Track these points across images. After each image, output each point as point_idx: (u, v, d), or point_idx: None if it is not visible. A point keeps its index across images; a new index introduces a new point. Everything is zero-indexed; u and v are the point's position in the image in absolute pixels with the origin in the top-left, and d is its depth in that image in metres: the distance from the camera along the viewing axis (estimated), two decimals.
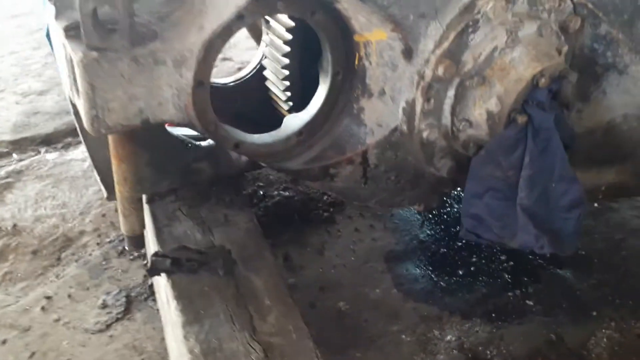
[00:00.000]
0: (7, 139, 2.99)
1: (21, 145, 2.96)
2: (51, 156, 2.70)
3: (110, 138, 1.58)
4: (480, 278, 2.13)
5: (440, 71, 1.44)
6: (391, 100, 1.56)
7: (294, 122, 1.65)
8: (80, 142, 2.87)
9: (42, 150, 2.92)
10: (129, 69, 1.31)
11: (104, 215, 2.39)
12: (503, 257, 2.21)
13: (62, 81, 1.60)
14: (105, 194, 1.90)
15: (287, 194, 2.48)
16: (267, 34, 1.76)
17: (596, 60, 1.68)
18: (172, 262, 1.58)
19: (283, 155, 1.64)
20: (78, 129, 1.88)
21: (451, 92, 1.51)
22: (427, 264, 2.19)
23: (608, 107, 1.72)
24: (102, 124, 1.34)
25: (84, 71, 1.26)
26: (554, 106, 1.45)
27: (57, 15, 1.40)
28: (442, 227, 2.36)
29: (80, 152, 2.75)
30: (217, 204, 1.88)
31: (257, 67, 1.86)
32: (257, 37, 2.73)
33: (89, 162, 2.65)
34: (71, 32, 1.36)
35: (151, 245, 1.72)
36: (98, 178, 1.90)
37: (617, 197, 2.23)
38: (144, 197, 1.81)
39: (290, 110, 1.78)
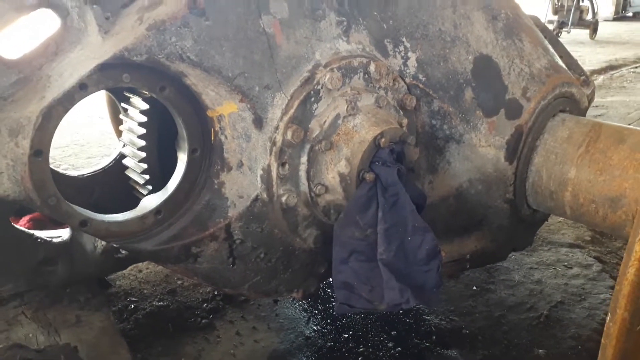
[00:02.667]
0: None
1: None
2: None
3: None
4: None
5: (289, 135, 1.50)
6: (249, 170, 1.59)
7: (151, 201, 1.60)
8: None
9: None
10: None
11: None
12: (390, 344, 2.15)
13: None
14: None
15: (161, 304, 2.30)
16: (126, 121, 1.77)
17: (436, 134, 1.85)
18: None
19: (138, 236, 1.56)
20: None
21: (304, 158, 1.57)
22: None
23: (454, 174, 1.86)
24: None
25: None
26: (396, 163, 1.54)
27: None
28: (329, 321, 2.28)
29: None
30: (69, 306, 1.69)
31: (117, 157, 1.83)
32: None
33: None
34: None
35: None
36: None
37: (483, 264, 2.31)
38: None
39: (149, 194, 1.73)
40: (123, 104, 1.78)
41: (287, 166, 1.55)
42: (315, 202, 1.63)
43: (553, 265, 2.74)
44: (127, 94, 1.72)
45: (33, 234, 1.70)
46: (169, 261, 1.62)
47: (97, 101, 2.17)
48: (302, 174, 1.58)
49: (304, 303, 2.39)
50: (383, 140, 1.54)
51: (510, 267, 2.73)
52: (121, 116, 1.78)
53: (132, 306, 2.28)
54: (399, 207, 1.51)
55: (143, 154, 1.68)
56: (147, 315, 2.22)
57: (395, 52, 1.77)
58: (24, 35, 1.56)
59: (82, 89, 1.35)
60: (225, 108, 1.54)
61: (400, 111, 1.76)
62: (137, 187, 1.77)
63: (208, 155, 1.61)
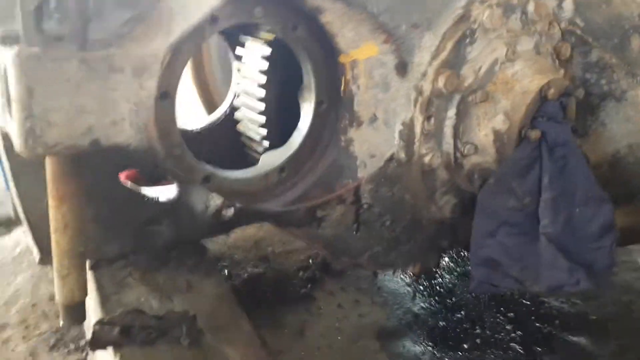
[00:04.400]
0: None
1: None
2: None
3: (49, 170, 1.27)
4: (489, 351, 1.83)
5: (441, 83, 1.28)
6: (384, 125, 1.38)
7: (274, 157, 1.43)
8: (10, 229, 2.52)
9: None
10: (78, 73, 1.07)
11: (34, 305, 1.98)
12: (509, 327, 1.94)
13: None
14: (37, 257, 1.53)
15: (257, 270, 2.16)
16: (239, 70, 1.58)
17: (590, 90, 1.58)
18: (122, 330, 1.21)
19: (262, 195, 1.39)
20: (6, 177, 1.54)
21: (452, 111, 1.34)
22: (426, 339, 1.88)
23: (610, 138, 1.60)
24: (39, 141, 1.07)
25: (20, 70, 1.02)
26: (566, 119, 1.30)
27: None
28: (436, 298, 2.08)
29: (10, 239, 2.37)
30: (177, 270, 1.56)
31: (227, 110, 1.65)
32: (207, 103, 2.58)
33: (20, 249, 2.29)
34: (8, 40, 1.13)
35: (93, 317, 1.35)
36: (30, 236, 1.54)
37: (628, 244, 2.05)
38: (87, 262, 1.46)
39: (266, 151, 1.55)
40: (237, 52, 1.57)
41: (432, 120, 1.33)
42: (459, 164, 1.41)
43: None
44: (243, 37, 1.52)
45: (139, 191, 1.56)
46: (292, 224, 1.45)
47: None
48: (448, 130, 1.36)
49: (405, 277, 2.20)
50: (551, 91, 1.29)
51: (630, 247, 2.44)
52: (234, 64, 1.59)
53: (226, 271, 2.16)
54: (570, 172, 1.28)
55: (262, 106, 1.49)
56: (243, 282, 2.09)
57: None
58: None
59: (213, 22, 1.17)
60: (363, 51, 1.33)
61: (556, 61, 1.50)
62: (251, 144, 1.60)
63: (335, 109, 1.42)
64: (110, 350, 1.19)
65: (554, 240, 1.27)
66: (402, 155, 1.37)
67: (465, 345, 1.85)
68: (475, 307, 2.05)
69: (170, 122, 1.17)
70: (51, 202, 1.28)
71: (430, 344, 1.85)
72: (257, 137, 1.55)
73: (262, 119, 1.51)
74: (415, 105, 1.32)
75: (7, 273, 2.13)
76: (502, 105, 1.32)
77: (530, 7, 1.40)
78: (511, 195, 1.34)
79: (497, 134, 1.33)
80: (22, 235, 2.40)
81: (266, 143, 1.54)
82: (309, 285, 2.11)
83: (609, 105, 1.58)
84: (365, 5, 1.25)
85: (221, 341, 1.30)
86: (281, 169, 1.41)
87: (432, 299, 2.09)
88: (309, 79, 1.39)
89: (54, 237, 1.31)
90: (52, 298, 2.04)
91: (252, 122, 1.55)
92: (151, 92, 1.14)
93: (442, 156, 1.39)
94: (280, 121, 1.51)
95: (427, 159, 1.36)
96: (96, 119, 1.11)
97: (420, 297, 2.09)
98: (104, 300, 1.37)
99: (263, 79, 1.47)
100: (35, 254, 1.53)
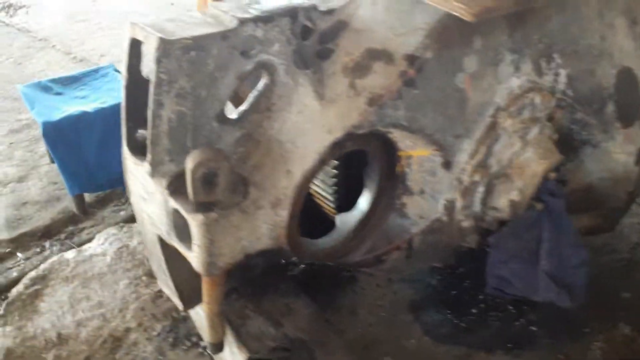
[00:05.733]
0: (5, 238, 2.98)
1: (22, 242, 2.97)
2: (70, 255, 2.75)
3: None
4: (491, 314, 2.52)
5: (477, 177, 1.78)
6: (431, 197, 1.89)
7: (348, 220, 1.93)
8: (90, 236, 2.94)
9: (46, 244, 2.96)
10: (238, 220, 1.53)
11: (142, 309, 2.50)
12: None
13: (141, 215, 1.76)
14: (181, 306, 2.05)
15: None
16: None
17: (573, 136, 2.10)
18: None
19: (342, 252, 1.92)
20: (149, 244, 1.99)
21: (481, 188, 1.86)
22: (444, 307, 2.54)
23: (586, 172, 2.16)
24: (214, 267, 1.55)
25: (206, 230, 1.46)
26: (562, 194, 1.84)
27: (153, 172, 1.56)
28: (448, 270, 2.72)
29: (96, 246, 2.81)
30: (275, 294, 2.11)
31: None
32: None
33: (110, 256, 2.75)
34: (172, 187, 1.55)
35: (233, 346, 1.92)
36: (172, 291, 2.04)
37: (588, 235, 2.70)
38: None
39: (337, 209, 2.05)
40: None
41: (467, 197, 1.85)
42: (483, 219, 1.95)
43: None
44: None
45: None
46: (363, 266, 2.01)
47: None
48: (478, 200, 1.88)
49: None
50: (553, 175, 1.81)
51: None
52: None
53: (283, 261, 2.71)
54: (561, 229, 1.85)
55: (334, 172, 1.96)
56: (301, 271, 2.64)
57: (548, 70, 1.94)
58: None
59: (322, 163, 1.60)
60: (417, 152, 1.79)
61: (549, 123, 1.99)
62: (325, 202, 2.08)
63: (392, 181, 1.90)
64: None
65: (548, 274, 1.88)
66: (445, 219, 1.90)
67: (474, 310, 2.53)
68: (478, 276, 2.72)
69: (295, 232, 1.65)
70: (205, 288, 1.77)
71: (448, 312, 2.53)
72: (331, 197, 2.04)
73: (333, 186, 1.99)
74: (456, 191, 1.82)
75: (110, 282, 2.62)
76: (516, 184, 1.84)
77: (537, 99, 1.86)
78: (520, 240, 1.92)
79: (512, 202, 1.87)
80: (103, 242, 2.85)
81: (336, 203, 2.03)
82: (351, 268, 2.70)
83: (587, 149, 2.11)
84: (423, 130, 1.69)
85: (327, 355, 1.91)
86: (355, 230, 1.92)
87: (445, 270, 2.74)
88: (374, 166, 1.85)
89: (206, 306, 1.83)
90: (154, 300, 2.57)
91: (325, 186, 2.03)
92: (284, 218, 1.60)
93: (473, 215, 1.93)
94: (346, 184, 2.00)
95: (463, 223, 1.90)
96: (247, 241, 1.59)
97: (435, 271, 2.73)
98: (237, 334, 1.93)
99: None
100: (179, 304, 2.04)
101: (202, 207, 1.47)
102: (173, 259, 2.01)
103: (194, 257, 1.53)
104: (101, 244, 2.80)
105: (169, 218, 1.57)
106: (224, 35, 1.48)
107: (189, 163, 1.44)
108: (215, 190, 1.48)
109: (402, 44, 1.62)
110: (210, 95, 1.53)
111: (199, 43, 1.44)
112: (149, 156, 1.51)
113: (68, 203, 3.19)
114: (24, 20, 5.85)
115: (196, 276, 1.75)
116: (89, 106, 2.93)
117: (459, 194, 1.82)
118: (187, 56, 1.43)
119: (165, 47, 1.38)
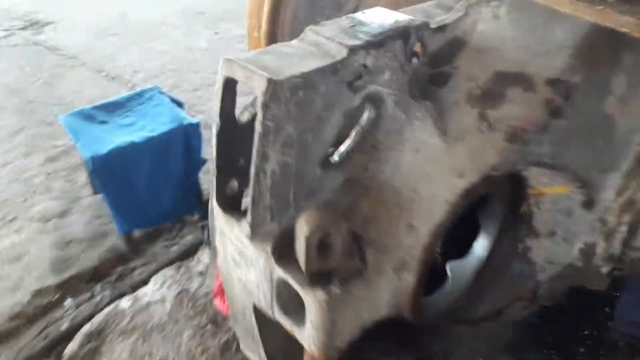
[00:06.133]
0: (52, 283, 2.75)
1: (70, 286, 2.74)
2: (125, 304, 2.51)
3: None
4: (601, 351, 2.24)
5: (626, 218, 1.49)
6: (564, 241, 1.60)
7: (463, 269, 1.65)
8: (142, 277, 2.70)
9: (97, 289, 2.72)
10: (358, 290, 1.26)
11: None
12: None
13: (231, 280, 1.50)
14: None
15: None
16: None
17: None
18: None
19: (463, 308, 1.64)
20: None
21: (624, 228, 1.56)
22: (546, 347, 2.26)
23: None
24: (332, 348, 1.28)
25: (328, 309, 1.20)
26: None
27: (254, 235, 1.30)
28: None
29: (152, 291, 2.58)
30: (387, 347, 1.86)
31: None
32: None
33: (169, 303, 2.51)
34: (277, 253, 1.28)
35: None
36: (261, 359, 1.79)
37: None
38: None
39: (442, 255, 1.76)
40: None
41: (611, 241, 1.56)
42: (621, 261, 1.66)
43: None
44: None
45: None
46: (482, 321, 1.72)
47: None
48: (618, 241, 1.59)
49: None
50: None
51: None
52: None
53: None
54: None
55: None
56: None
57: None
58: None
59: (453, 215, 1.32)
60: (552, 189, 1.50)
61: None
62: None
63: (513, 222, 1.61)
64: None
65: None
66: (580, 264, 1.61)
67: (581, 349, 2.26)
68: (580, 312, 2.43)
69: (420, 298, 1.38)
70: None
71: (552, 351, 2.25)
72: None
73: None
74: (599, 234, 1.53)
75: (172, 334, 2.37)
76: None
77: None
78: None
79: None
80: (160, 286, 2.60)
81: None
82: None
83: None
84: (567, 167, 1.40)
85: None
86: (473, 280, 1.64)
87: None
88: (495, 206, 1.57)
89: None
90: (222, 352, 2.32)
91: None
92: (409, 283, 1.33)
93: (612, 259, 1.63)
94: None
95: (603, 270, 1.61)
96: (367, 314, 1.32)
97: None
98: None
99: None
100: None
101: (318, 278, 1.21)
102: (266, 326, 1.75)
103: (307, 337, 1.27)
104: (158, 289, 2.56)
105: (271, 288, 1.31)
106: (334, 69, 1.21)
107: (304, 227, 1.18)
108: (331, 255, 1.22)
109: (543, 65, 1.33)
110: (316, 139, 1.27)
111: (308, 81, 1.17)
112: (249, 217, 1.25)
113: (115, 239, 2.96)
114: (52, 38, 5.65)
115: (291, 344, 1.51)
116: (137, 135, 2.68)
117: (602, 236, 1.53)
118: (295, 98, 1.17)
119: (275, 89, 1.11)
